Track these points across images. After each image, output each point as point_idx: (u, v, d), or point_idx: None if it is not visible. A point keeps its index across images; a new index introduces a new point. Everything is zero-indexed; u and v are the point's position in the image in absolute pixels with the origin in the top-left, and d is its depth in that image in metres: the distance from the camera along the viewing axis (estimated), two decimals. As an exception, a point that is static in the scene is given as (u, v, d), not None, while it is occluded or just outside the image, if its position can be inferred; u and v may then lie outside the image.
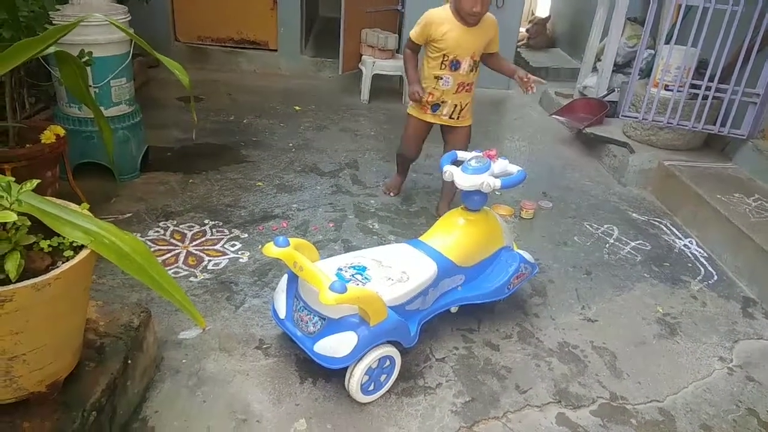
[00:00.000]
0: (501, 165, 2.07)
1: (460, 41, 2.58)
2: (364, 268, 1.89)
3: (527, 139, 4.28)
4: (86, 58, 2.46)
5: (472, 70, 2.68)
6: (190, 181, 3.13)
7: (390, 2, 5.08)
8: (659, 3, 3.33)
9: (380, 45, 4.71)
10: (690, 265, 2.75)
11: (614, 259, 2.75)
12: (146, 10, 4.78)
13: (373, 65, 4.72)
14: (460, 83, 2.68)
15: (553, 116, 4.14)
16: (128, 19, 2.90)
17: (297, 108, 4.52)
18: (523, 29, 7.12)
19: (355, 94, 4.92)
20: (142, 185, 3.04)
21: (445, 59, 2.62)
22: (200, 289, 2.25)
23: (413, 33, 2.66)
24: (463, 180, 1.98)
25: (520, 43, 6.83)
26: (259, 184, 3.17)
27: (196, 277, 2.32)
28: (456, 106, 2.73)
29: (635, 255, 2.79)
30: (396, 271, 1.89)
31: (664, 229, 3.08)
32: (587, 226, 3.04)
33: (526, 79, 2.65)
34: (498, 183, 1.97)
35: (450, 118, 2.76)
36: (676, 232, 3.04)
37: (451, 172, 2.02)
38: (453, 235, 2.08)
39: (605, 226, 3.06)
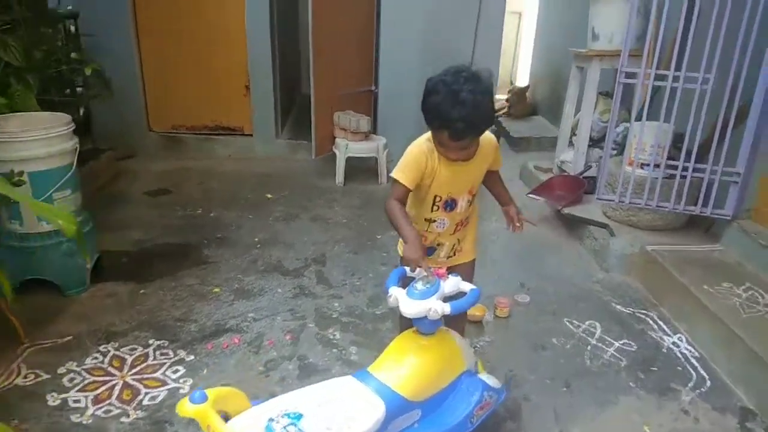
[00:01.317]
0: (452, 283, 1.87)
1: (455, 179, 1.93)
2: (299, 417, 1.66)
3: (504, 220, 4.10)
4: (16, 179, 2.33)
5: (470, 203, 2.06)
6: (141, 291, 2.94)
7: (362, 83, 5.05)
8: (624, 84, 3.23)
9: (353, 127, 4.63)
10: (680, 368, 2.51)
11: (597, 365, 2.51)
12: (118, 101, 4.77)
13: (347, 148, 4.63)
14: (458, 222, 2.06)
15: (530, 195, 3.99)
16: (71, 129, 2.79)
17: (269, 196, 4.39)
18: (503, 97, 7.13)
19: (330, 177, 4.80)
20: (89, 300, 2.85)
21: (438, 200, 1.98)
22: (130, 433, 2.02)
23: (402, 176, 1.88)
24: (408, 307, 1.78)
25: (500, 113, 6.81)
26: (216, 290, 2.98)
27: (128, 416, 2.09)
28: (455, 244, 2.14)
29: (620, 359, 2.56)
30: (338, 418, 1.66)
31: (651, 323, 2.85)
32: (567, 324, 2.82)
33: (515, 218, 2.19)
34: (447, 308, 1.77)
35: (448, 258, 2.16)
36: (664, 327, 2.81)
37: (396, 296, 1.82)
38: (405, 366, 1.86)
39: (587, 322, 2.83)
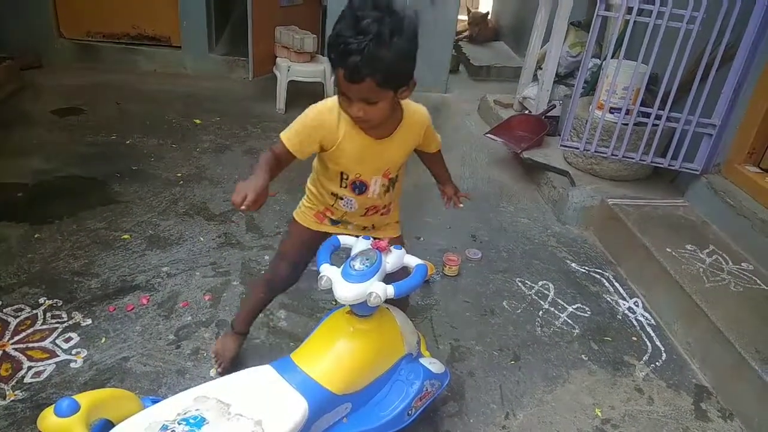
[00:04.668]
0: (395, 258, 1.56)
1: (364, 157, 1.56)
2: (201, 422, 1.35)
3: (460, 160, 3.79)
4: None
5: (388, 191, 1.67)
6: (36, 236, 2.51)
7: (309, -6, 4.46)
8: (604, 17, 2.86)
9: (296, 46, 4.10)
10: (635, 338, 2.34)
11: (548, 333, 2.31)
12: (20, 1, 4.04)
13: (289, 70, 4.11)
14: (369, 207, 1.69)
15: (488, 135, 3.66)
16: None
17: (197, 122, 3.89)
18: (464, 18, 6.62)
19: (269, 102, 4.30)
20: (-29, 245, 2.41)
21: (344, 178, 1.61)
22: (4, 420, 1.68)
23: (288, 140, 1.52)
24: (346, 291, 1.45)
25: (461, 36, 6.32)
26: (125, 237, 2.58)
27: (4, 398, 1.75)
28: (366, 227, 1.77)
29: (572, 326, 2.36)
30: (246, 423, 1.37)
31: (607, 285, 2.66)
32: (519, 284, 2.59)
33: (453, 198, 1.92)
34: (391, 291, 1.46)
35: (363, 229, 1.78)
36: (620, 290, 2.63)
37: (328, 277, 1.49)
38: (334, 354, 1.56)
39: (540, 283, 2.61)
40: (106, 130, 3.57)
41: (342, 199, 1.66)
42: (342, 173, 1.60)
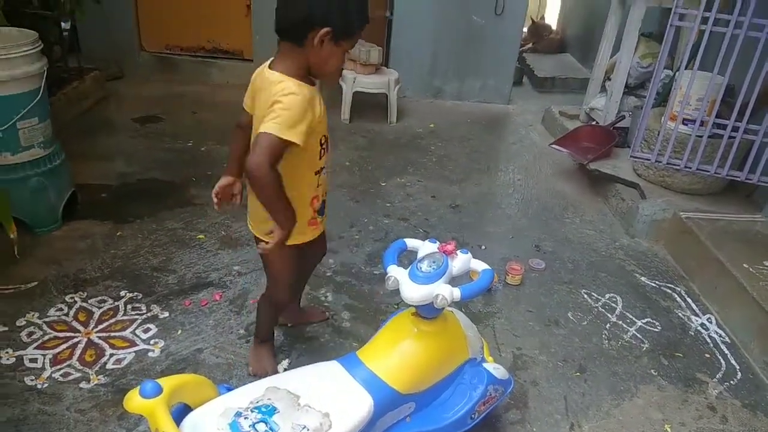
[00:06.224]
0: (461, 262, 1.57)
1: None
2: (272, 410, 1.41)
3: (523, 171, 3.76)
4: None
5: None
6: (119, 233, 2.67)
7: (376, 7, 4.55)
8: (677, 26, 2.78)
9: (362, 59, 4.20)
10: (708, 355, 2.25)
11: (615, 346, 2.26)
12: (106, 18, 4.34)
13: (354, 81, 4.22)
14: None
15: (553, 146, 3.62)
16: (38, 48, 2.42)
17: (266, 130, 4.04)
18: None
19: (335, 112, 4.40)
20: (61, 240, 2.60)
21: (322, 142, 1.62)
22: (88, 402, 1.80)
23: (297, 134, 1.44)
24: (412, 292, 1.48)
25: (525, 47, 6.28)
26: (201, 237, 2.71)
27: (88, 381, 1.87)
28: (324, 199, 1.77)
29: (641, 340, 2.29)
30: (315, 415, 1.41)
31: (678, 300, 2.57)
32: (585, 296, 2.54)
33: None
34: (457, 294, 1.48)
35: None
36: (693, 306, 2.53)
37: (396, 278, 1.53)
38: (400, 353, 1.59)
39: (607, 295, 2.55)
40: (183, 138, 3.76)
41: (323, 169, 1.66)
42: (322, 137, 1.60)
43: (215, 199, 1.76)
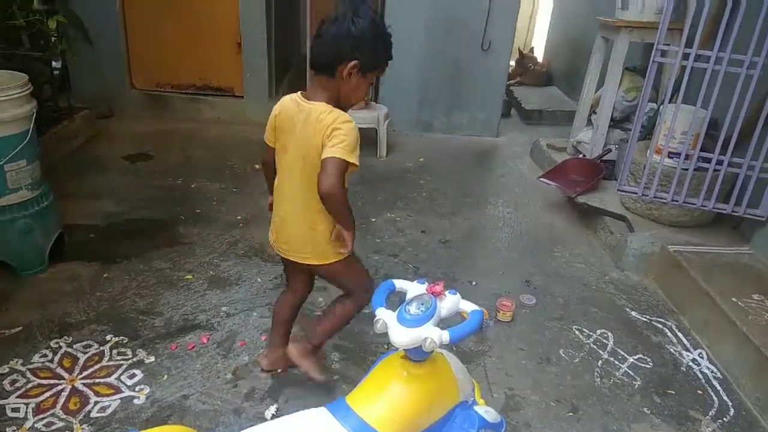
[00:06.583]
0: (450, 303, 1.56)
1: None
2: (255, 466, 1.39)
3: (512, 204, 3.78)
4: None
5: None
6: (105, 275, 2.65)
7: (365, 45, 4.63)
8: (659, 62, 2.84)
9: (351, 94, 4.24)
10: (700, 392, 2.23)
11: (608, 384, 2.24)
12: (97, 56, 4.39)
13: (344, 116, 4.25)
14: None
15: (541, 180, 3.65)
16: (27, 90, 2.43)
17: (257, 167, 4.05)
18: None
19: (325, 147, 4.44)
20: (47, 282, 2.57)
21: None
22: (71, 453, 1.76)
23: (356, 157, 1.65)
24: (401, 336, 1.47)
25: (513, 81, 6.38)
26: (188, 277, 2.69)
27: (71, 431, 1.83)
28: None
29: (633, 378, 2.28)
30: (303, 466, 1.39)
31: (669, 335, 2.56)
32: (577, 332, 2.53)
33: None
34: (446, 337, 1.47)
35: None
36: (684, 341, 2.52)
37: (384, 321, 1.52)
38: (389, 398, 1.57)
39: (599, 331, 2.54)
40: (173, 175, 3.77)
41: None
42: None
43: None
